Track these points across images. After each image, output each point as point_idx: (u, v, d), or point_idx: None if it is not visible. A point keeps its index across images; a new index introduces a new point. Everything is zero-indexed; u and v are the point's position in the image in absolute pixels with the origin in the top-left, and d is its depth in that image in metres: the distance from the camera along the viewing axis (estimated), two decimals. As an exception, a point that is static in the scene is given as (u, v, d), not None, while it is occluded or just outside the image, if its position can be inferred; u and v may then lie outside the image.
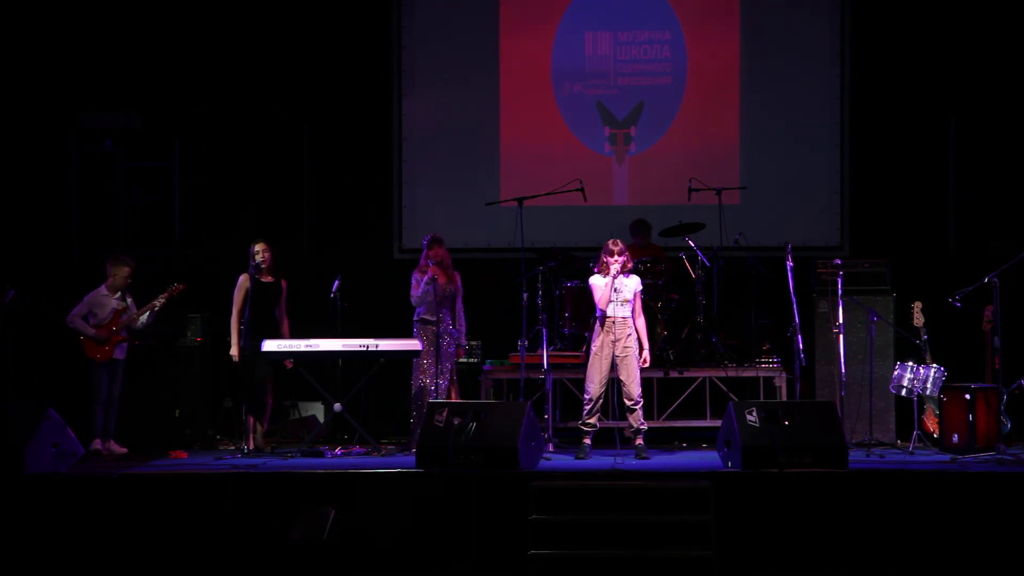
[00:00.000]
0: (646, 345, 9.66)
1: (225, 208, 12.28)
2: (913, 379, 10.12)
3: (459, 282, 10.46)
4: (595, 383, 9.56)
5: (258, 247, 10.26)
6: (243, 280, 10.31)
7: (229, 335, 10.34)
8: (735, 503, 8.24)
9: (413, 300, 10.34)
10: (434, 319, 10.24)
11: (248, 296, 10.16)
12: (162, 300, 10.43)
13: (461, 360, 10.99)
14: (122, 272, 10.53)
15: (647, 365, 9.70)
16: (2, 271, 10.98)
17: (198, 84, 12.35)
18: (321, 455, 9.90)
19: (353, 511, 8.29)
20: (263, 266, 10.23)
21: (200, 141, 12.33)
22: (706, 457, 9.52)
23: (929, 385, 10.05)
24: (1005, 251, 10.37)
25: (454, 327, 10.39)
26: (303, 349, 10.05)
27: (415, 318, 10.39)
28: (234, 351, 10.26)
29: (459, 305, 10.45)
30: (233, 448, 10.45)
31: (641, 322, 9.68)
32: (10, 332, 10.34)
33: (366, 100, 12.47)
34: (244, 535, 8.34)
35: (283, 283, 10.44)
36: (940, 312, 10.25)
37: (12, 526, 8.32)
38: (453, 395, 10.45)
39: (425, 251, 10.37)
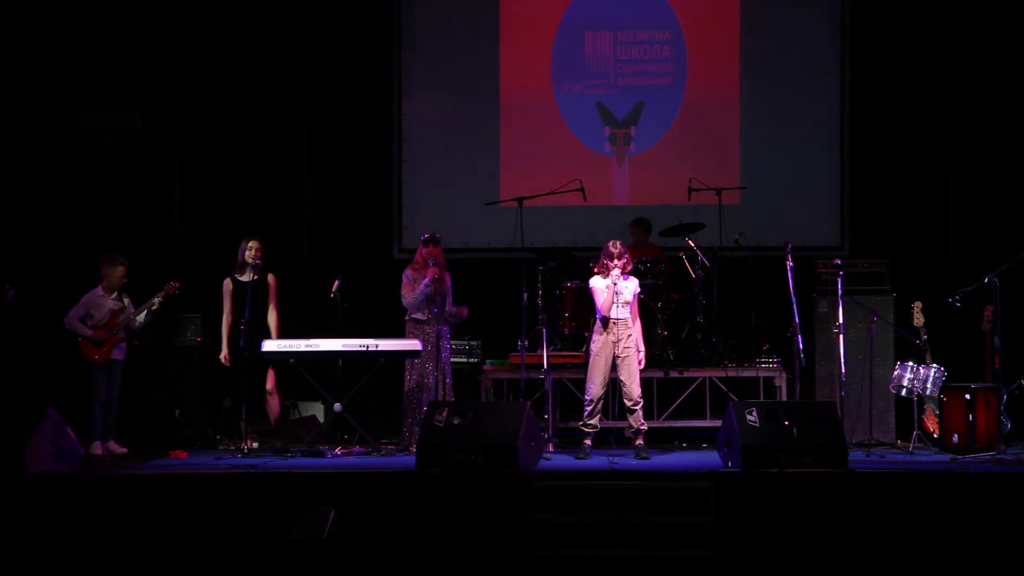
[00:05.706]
0: (642, 347, 9.66)
1: (225, 208, 12.27)
2: (913, 379, 10.12)
3: (449, 283, 10.42)
4: (596, 384, 9.56)
5: (251, 244, 10.23)
6: (227, 283, 10.28)
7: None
8: (735, 503, 8.23)
9: (408, 300, 10.27)
10: (426, 318, 10.24)
11: (233, 298, 10.14)
12: (158, 299, 10.39)
13: (461, 360, 10.95)
14: (116, 271, 10.49)
15: (643, 366, 9.69)
16: (2, 271, 10.97)
17: (198, 84, 12.35)
18: (321, 455, 9.90)
19: (353, 511, 8.28)
20: (253, 263, 10.17)
21: (200, 141, 12.32)
22: (706, 457, 9.53)
23: (929, 385, 10.05)
24: (1005, 251, 10.37)
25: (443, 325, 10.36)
26: (303, 349, 10.04)
27: (407, 317, 10.35)
28: (223, 354, 10.25)
29: (449, 303, 10.37)
30: (233, 448, 10.45)
31: (637, 324, 9.69)
32: (10, 332, 10.34)
33: (366, 100, 12.46)
34: (244, 535, 8.34)
35: (271, 279, 10.33)
36: (940, 312, 10.25)
37: (13, 526, 8.31)
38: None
39: (421, 249, 10.35)
